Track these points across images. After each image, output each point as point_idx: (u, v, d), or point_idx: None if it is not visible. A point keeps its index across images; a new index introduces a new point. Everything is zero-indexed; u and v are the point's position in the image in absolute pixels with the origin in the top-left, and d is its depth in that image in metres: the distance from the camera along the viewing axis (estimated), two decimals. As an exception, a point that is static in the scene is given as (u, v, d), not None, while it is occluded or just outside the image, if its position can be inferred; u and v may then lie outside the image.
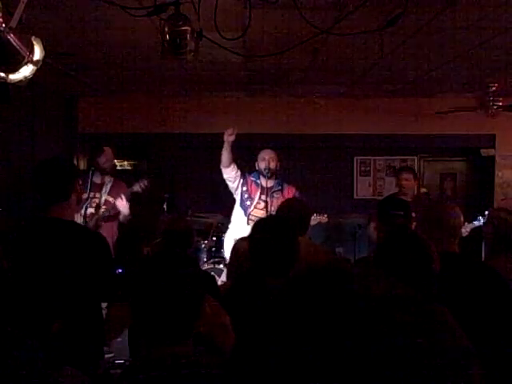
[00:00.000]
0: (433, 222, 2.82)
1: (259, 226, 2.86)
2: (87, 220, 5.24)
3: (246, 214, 5.45)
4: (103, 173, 5.45)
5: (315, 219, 5.56)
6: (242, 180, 5.56)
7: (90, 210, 5.36)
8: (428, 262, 2.08)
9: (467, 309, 2.26)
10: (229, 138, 5.39)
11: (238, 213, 5.62)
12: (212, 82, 6.38)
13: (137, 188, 5.41)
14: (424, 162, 8.59)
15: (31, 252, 2.82)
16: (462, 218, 2.88)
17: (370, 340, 0.39)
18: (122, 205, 5.28)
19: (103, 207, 5.40)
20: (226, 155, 5.47)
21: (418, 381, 0.38)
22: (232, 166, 5.52)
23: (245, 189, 5.50)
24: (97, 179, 5.45)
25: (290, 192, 5.49)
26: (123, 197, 5.28)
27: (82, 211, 5.22)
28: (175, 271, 3.23)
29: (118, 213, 5.37)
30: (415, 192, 5.96)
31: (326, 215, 5.71)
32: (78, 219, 5.23)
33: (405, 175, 5.87)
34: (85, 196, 5.00)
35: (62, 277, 2.68)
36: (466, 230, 5.12)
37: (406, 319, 0.40)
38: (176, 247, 3.71)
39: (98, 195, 5.42)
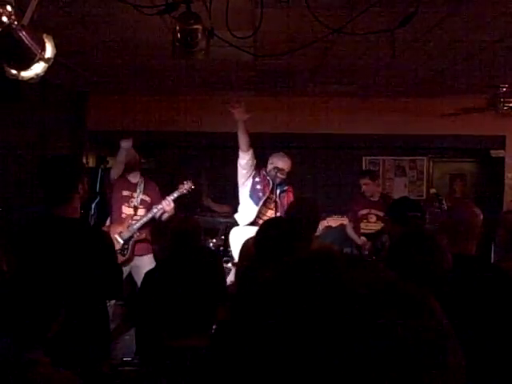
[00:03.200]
0: (451, 224, 2.80)
1: (266, 226, 2.86)
2: (126, 220, 5.42)
3: (257, 205, 5.27)
4: (128, 170, 5.50)
5: (336, 220, 5.64)
6: (255, 171, 5.33)
7: (129, 211, 5.46)
8: (438, 262, 2.07)
9: (480, 311, 2.25)
10: (239, 114, 5.02)
11: (246, 205, 5.41)
12: (222, 81, 6.38)
13: (182, 190, 5.48)
14: (433, 162, 8.55)
15: (36, 250, 2.83)
16: (480, 218, 2.85)
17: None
18: (171, 207, 5.37)
19: (141, 207, 5.50)
20: (242, 138, 5.11)
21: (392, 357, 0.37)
22: (251, 152, 5.20)
23: (258, 179, 5.31)
24: (132, 178, 5.54)
25: (290, 192, 5.47)
26: (170, 200, 5.37)
27: (121, 208, 5.44)
28: (195, 265, 3.25)
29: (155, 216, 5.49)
30: (379, 192, 6.35)
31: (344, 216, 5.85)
32: (116, 218, 5.45)
33: (363, 180, 6.13)
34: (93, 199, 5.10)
35: (68, 274, 2.69)
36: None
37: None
38: (184, 246, 3.72)
39: (134, 195, 5.51)
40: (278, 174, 5.18)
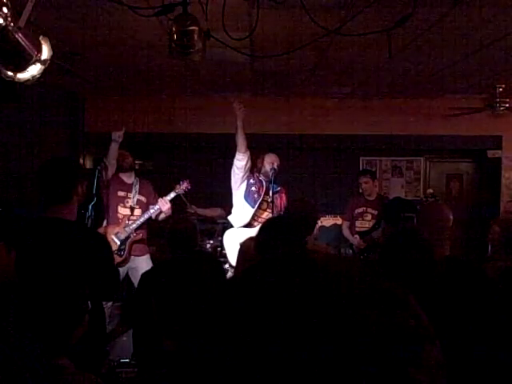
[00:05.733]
0: (423, 223, 2.84)
1: (268, 225, 2.86)
2: (122, 220, 5.40)
3: (253, 207, 5.30)
4: (122, 171, 5.50)
5: (329, 220, 5.66)
6: (249, 173, 5.36)
7: (125, 211, 5.45)
8: (426, 260, 2.09)
9: (455, 310, 2.24)
10: (239, 113, 5.08)
11: (241, 208, 5.41)
12: (218, 82, 6.38)
13: (179, 190, 5.48)
14: (430, 162, 8.56)
15: (32, 251, 2.82)
16: (450, 218, 2.86)
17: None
18: (168, 208, 5.38)
19: (137, 207, 5.49)
20: (241, 137, 5.13)
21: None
22: (248, 154, 5.22)
23: (252, 181, 5.35)
24: (127, 179, 5.53)
25: (282, 193, 5.51)
26: (166, 200, 5.39)
27: (116, 209, 5.41)
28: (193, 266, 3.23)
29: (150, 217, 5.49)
30: (377, 192, 6.48)
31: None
32: (112, 218, 5.41)
33: (363, 179, 6.27)
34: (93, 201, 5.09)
35: (63, 275, 2.69)
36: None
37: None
38: (180, 247, 3.72)
39: (130, 195, 5.50)
40: (276, 171, 5.25)
